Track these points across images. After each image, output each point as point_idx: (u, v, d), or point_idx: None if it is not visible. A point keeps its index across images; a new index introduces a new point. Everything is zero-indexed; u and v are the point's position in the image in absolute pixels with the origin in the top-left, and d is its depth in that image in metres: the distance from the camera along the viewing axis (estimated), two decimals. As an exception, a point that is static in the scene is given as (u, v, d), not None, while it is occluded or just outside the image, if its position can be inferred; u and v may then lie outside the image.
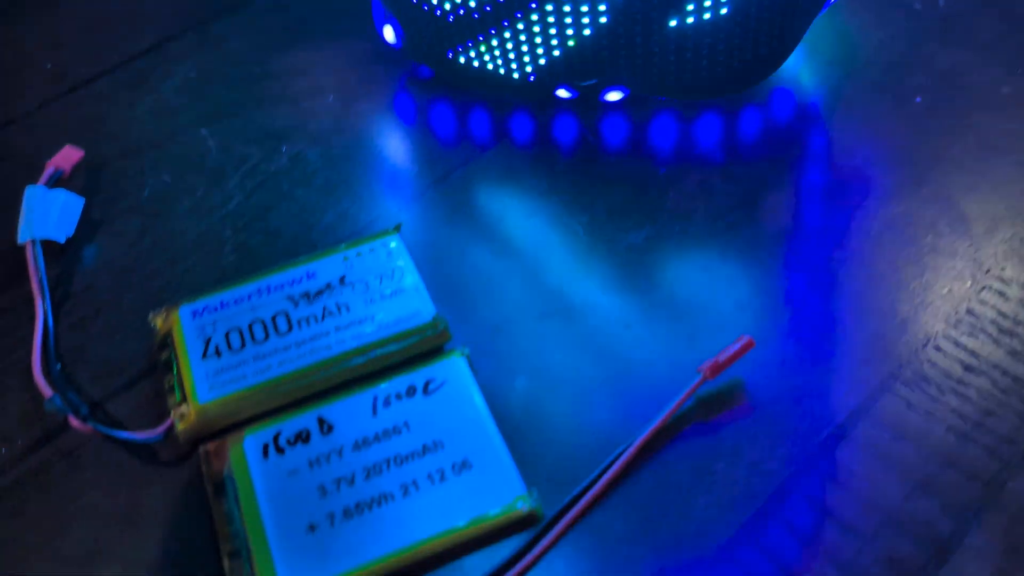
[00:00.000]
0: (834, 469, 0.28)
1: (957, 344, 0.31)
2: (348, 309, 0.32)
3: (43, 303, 0.34)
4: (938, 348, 0.31)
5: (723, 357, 0.30)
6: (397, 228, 0.35)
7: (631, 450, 0.29)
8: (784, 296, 0.33)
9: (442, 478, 0.28)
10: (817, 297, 0.33)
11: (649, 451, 0.29)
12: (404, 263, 0.33)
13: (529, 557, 0.27)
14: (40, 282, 0.34)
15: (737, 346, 0.30)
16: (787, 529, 0.27)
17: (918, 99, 0.39)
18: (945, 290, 0.33)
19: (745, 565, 0.27)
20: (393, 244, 0.34)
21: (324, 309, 0.32)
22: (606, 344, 0.32)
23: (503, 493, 0.28)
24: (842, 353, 0.31)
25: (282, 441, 0.29)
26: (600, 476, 0.28)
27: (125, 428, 0.31)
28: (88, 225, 0.37)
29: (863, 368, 0.31)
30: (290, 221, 0.37)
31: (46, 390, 0.31)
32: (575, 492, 0.28)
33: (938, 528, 0.27)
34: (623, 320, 0.33)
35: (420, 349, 0.31)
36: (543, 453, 0.29)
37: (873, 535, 0.27)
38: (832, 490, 0.28)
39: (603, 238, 0.35)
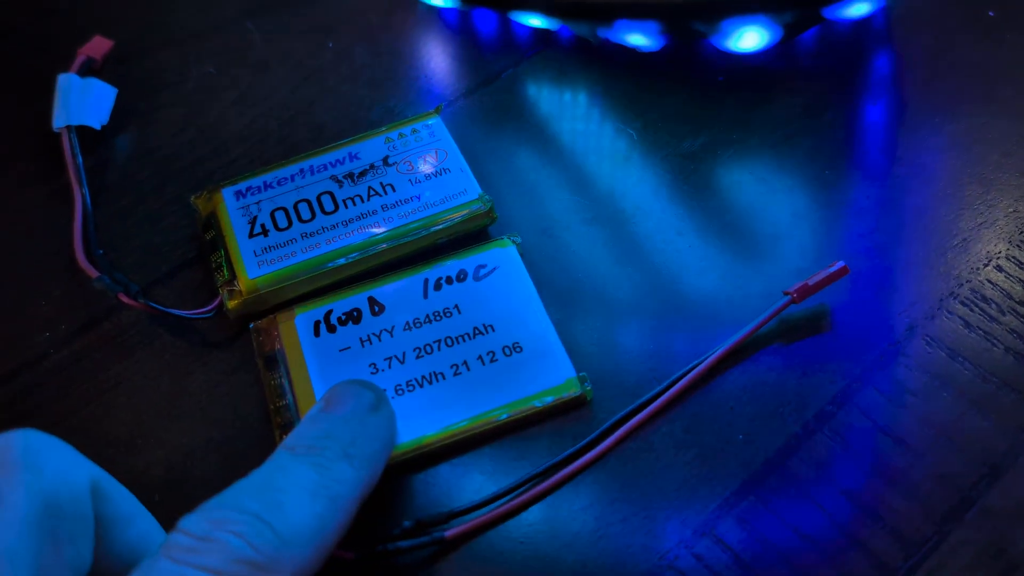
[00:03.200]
0: (888, 385, 0.28)
1: (1020, 265, 0.30)
2: (393, 189, 0.32)
3: (81, 189, 0.33)
4: (999, 268, 0.30)
5: (813, 281, 0.29)
6: (438, 110, 0.34)
7: (708, 363, 0.28)
8: (843, 210, 0.32)
9: (492, 359, 0.28)
10: (876, 212, 0.32)
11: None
12: (446, 143, 0.33)
13: (587, 457, 0.27)
14: (77, 168, 0.34)
15: (830, 271, 0.29)
16: (839, 442, 0.27)
17: (991, 12, 0.37)
18: (1010, 209, 0.32)
19: (795, 479, 0.26)
20: (434, 125, 0.33)
21: (369, 189, 0.32)
22: (656, 251, 0.31)
23: (554, 375, 0.28)
24: (900, 269, 0.30)
25: (333, 319, 0.29)
26: (669, 387, 0.28)
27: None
28: (131, 114, 0.36)
29: (921, 285, 0.30)
30: (336, 116, 0.36)
31: (92, 272, 0.31)
32: (640, 400, 0.28)
33: (992, 447, 0.27)
34: (675, 228, 0.32)
35: (468, 228, 0.31)
36: (588, 354, 0.29)
37: (925, 451, 0.27)
38: (885, 406, 0.27)
39: (657, 144, 0.34)
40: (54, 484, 0.21)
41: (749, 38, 0.26)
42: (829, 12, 0.18)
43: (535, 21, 0.32)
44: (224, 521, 0.20)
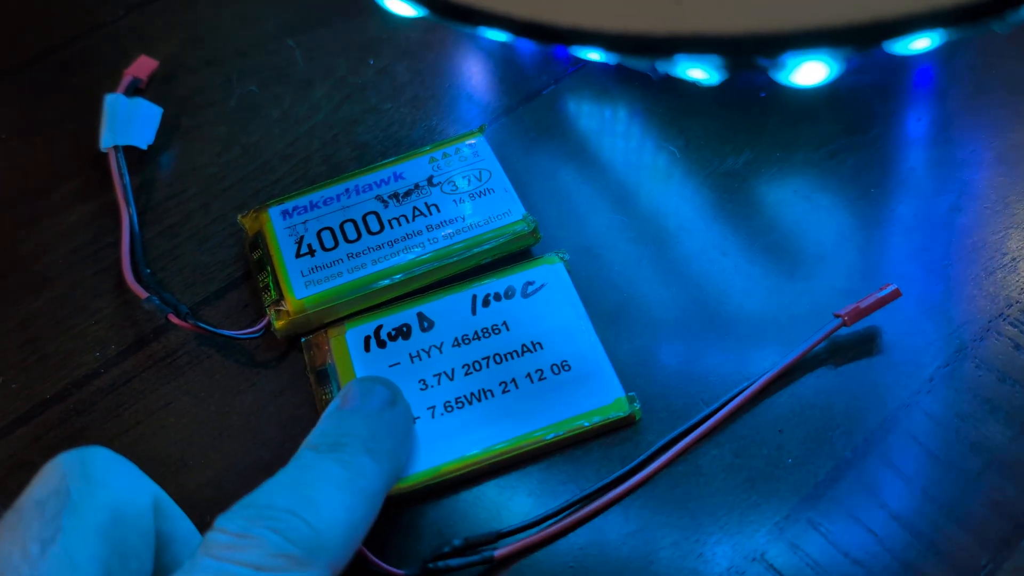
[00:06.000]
0: (939, 409, 0.28)
1: (1070, 285, 0.30)
2: (438, 209, 0.32)
3: (128, 209, 0.33)
4: (1049, 289, 0.30)
5: (865, 304, 0.29)
6: (481, 129, 0.34)
7: (757, 385, 0.28)
8: (889, 228, 0.32)
9: (541, 378, 0.28)
10: (923, 231, 0.32)
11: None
12: (490, 163, 0.33)
13: (635, 479, 0.27)
14: (124, 188, 0.34)
15: (881, 294, 0.29)
16: (889, 468, 0.27)
17: (1037, 27, 0.37)
18: (1060, 229, 0.31)
19: (846, 504, 0.26)
20: (478, 145, 0.34)
21: (414, 209, 0.32)
22: (701, 271, 0.31)
23: (602, 395, 0.28)
24: (948, 290, 0.30)
25: (383, 335, 0.30)
26: (719, 409, 0.28)
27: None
28: (175, 133, 0.37)
29: (970, 306, 0.30)
30: (378, 135, 0.36)
31: (141, 292, 0.31)
32: (690, 423, 0.28)
33: (1045, 472, 0.26)
34: (720, 247, 0.32)
35: (512, 248, 0.31)
36: (634, 374, 0.29)
37: (977, 476, 0.26)
38: (935, 430, 0.27)
39: (700, 162, 0.34)
40: (123, 498, 0.22)
41: (812, 72, 0.26)
42: (893, 46, 0.18)
43: (593, 55, 0.33)
44: (260, 518, 0.21)
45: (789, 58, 0.18)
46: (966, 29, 0.16)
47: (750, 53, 0.17)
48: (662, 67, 0.29)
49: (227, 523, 0.21)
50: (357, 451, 0.24)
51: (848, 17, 0.16)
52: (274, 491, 0.22)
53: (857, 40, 0.16)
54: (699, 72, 0.26)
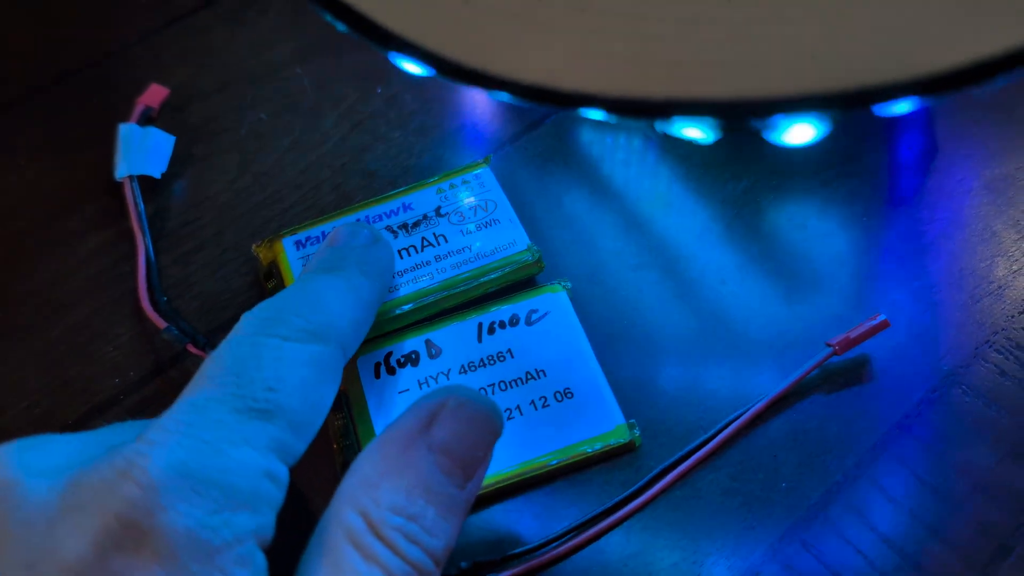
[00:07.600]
0: (926, 433, 0.29)
1: (1055, 312, 0.31)
2: (445, 240, 0.33)
3: (144, 238, 0.35)
4: (1034, 315, 0.31)
5: (855, 334, 0.30)
6: (487, 160, 0.35)
7: (752, 412, 0.29)
8: (881, 255, 0.33)
9: (544, 404, 0.29)
10: (913, 258, 0.33)
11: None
12: (496, 194, 0.34)
13: (636, 503, 0.28)
14: (139, 217, 0.35)
15: (871, 324, 0.30)
16: (878, 491, 0.28)
17: (1024, 56, 0.38)
18: (1045, 257, 0.32)
19: (836, 525, 0.27)
20: (484, 176, 0.35)
21: (423, 240, 0.33)
22: (701, 298, 0.32)
23: (603, 422, 0.29)
24: (937, 317, 0.31)
25: (392, 361, 0.31)
26: (716, 435, 0.29)
27: (232, 363, 0.32)
28: (188, 161, 0.38)
29: (957, 333, 0.31)
30: (387, 163, 0.37)
31: (159, 322, 0.32)
32: (688, 448, 0.29)
33: (1029, 495, 0.28)
34: (718, 275, 0.33)
35: (517, 277, 0.32)
36: (635, 399, 0.30)
37: (963, 499, 0.28)
38: (923, 454, 0.28)
39: (699, 190, 0.35)
40: None
41: (801, 133, 0.28)
42: (878, 109, 0.19)
43: (595, 115, 0.34)
44: (279, 321, 0.24)
45: (780, 120, 0.20)
46: (945, 95, 0.17)
47: (743, 116, 0.18)
48: (660, 127, 0.30)
49: (248, 323, 0.24)
50: (353, 271, 0.28)
51: (833, 84, 0.17)
52: (285, 300, 0.25)
53: (842, 105, 0.17)
54: (695, 131, 0.27)
